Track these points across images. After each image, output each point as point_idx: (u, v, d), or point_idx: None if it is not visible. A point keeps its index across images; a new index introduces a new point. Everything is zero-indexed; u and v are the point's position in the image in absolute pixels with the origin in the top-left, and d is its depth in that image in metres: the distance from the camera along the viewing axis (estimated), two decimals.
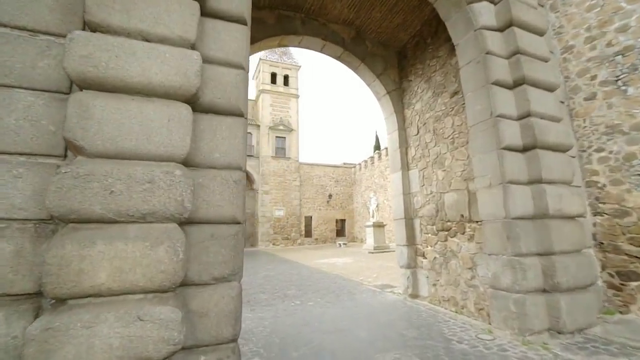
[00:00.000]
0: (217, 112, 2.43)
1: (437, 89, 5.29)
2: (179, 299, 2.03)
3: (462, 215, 4.47)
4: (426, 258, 5.37)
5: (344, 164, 31.44)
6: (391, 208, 21.17)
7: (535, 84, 3.80)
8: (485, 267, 3.81)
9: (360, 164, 27.03)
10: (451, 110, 4.88)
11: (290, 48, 30.64)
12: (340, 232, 27.57)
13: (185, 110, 2.17)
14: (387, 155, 22.16)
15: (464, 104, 4.55)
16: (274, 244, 24.24)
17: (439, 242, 5.05)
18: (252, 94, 30.32)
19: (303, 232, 25.92)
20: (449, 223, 4.81)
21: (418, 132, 5.80)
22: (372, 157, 25.12)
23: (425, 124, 5.59)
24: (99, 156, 1.94)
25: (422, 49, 5.81)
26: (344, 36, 6.20)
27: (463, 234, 4.45)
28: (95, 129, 1.93)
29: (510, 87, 3.81)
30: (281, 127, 26.41)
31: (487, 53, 3.81)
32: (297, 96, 27.77)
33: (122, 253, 1.85)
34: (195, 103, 2.33)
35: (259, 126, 26.22)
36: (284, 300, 5.71)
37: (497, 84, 3.75)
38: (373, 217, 17.55)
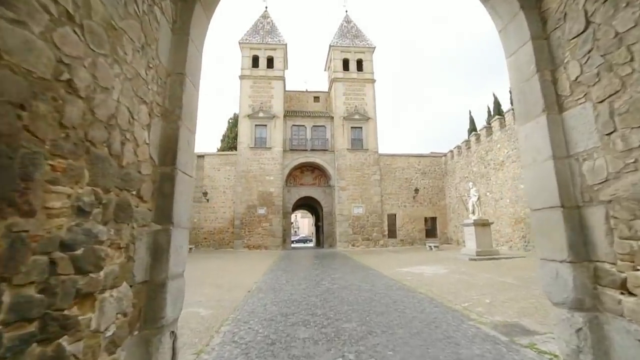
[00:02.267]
0: None
1: None
2: None
3: None
4: (635, 295, 2.34)
5: (432, 153, 27.31)
6: (497, 202, 16.60)
7: None
8: None
9: (452, 151, 22.69)
10: None
11: (363, 28, 27.88)
12: (430, 233, 23.69)
13: None
14: (488, 135, 17.69)
15: None
16: (353, 245, 22.04)
17: None
18: (324, 86, 28.86)
19: (386, 232, 23.04)
20: None
21: (587, 25, 2.77)
22: (467, 141, 20.63)
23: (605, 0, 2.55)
24: None
25: None
26: None
27: None
28: None
29: None
30: (356, 117, 24.10)
31: None
32: (372, 81, 25.08)
33: None
34: None
35: (332, 118, 24.46)
36: (330, 349, 3.38)
37: None
38: (473, 213, 13.68)
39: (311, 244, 39.07)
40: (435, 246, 18.46)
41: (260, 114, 23.44)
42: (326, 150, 23.94)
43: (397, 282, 7.71)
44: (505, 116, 16.11)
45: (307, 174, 25.21)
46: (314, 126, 24.42)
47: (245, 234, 21.84)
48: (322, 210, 25.21)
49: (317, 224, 32.26)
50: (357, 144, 23.89)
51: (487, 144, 17.79)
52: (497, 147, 16.62)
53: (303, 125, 24.40)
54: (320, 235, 28.34)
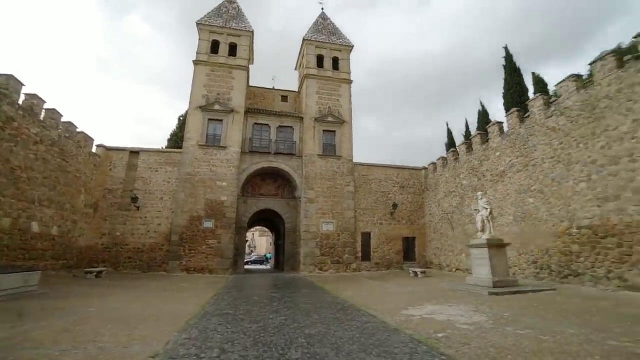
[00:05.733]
0: None
1: None
2: None
3: None
4: None
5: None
6: (494, 220, 13.99)
7: None
8: None
9: (434, 164, 20.27)
10: None
11: (342, 26, 25.63)
12: (408, 255, 20.66)
13: None
14: (483, 143, 15.34)
15: None
16: (320, 269, 18.19)
17: None
18: (294, 86, 25.65)
19: (359, 254, 19.56)
20: None
21: None
22: (454, 151, 18.28)
23: None
24: None
25: None
26: None
27: None
28: None
29: None
30: (330, 119, 20.97)
31: None
32: (349, 81, 22.36)
33: None
34: None
35: (302, 119, 21.09)
36: None
37: None
38: (483, 231, 10.74)
39: (268, 266, 34.29)
40: (421, 272, 15.26)
41: (216, 107, 19.38)
42: (293, 154, 20.32)
43: (430, 348, 4.12)
44: (508, 119, 13.81)
45: (269, 183, 21.27)
46: (280, 126, 20.79)
47: (184, 252, 17.05)
48: (284, 226, 21.21)
49: (277, 243, 27.96)
50: (329, 150, 20.61)
51: (482, 153, 15.40)
52: (497, 156, 14.22)
53: (267, 125, 20.67)
54: (280, 256, 24.12)
